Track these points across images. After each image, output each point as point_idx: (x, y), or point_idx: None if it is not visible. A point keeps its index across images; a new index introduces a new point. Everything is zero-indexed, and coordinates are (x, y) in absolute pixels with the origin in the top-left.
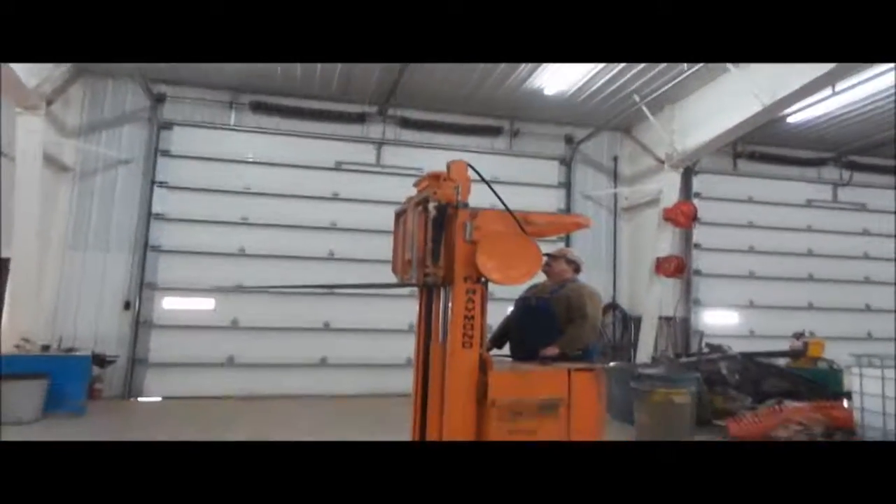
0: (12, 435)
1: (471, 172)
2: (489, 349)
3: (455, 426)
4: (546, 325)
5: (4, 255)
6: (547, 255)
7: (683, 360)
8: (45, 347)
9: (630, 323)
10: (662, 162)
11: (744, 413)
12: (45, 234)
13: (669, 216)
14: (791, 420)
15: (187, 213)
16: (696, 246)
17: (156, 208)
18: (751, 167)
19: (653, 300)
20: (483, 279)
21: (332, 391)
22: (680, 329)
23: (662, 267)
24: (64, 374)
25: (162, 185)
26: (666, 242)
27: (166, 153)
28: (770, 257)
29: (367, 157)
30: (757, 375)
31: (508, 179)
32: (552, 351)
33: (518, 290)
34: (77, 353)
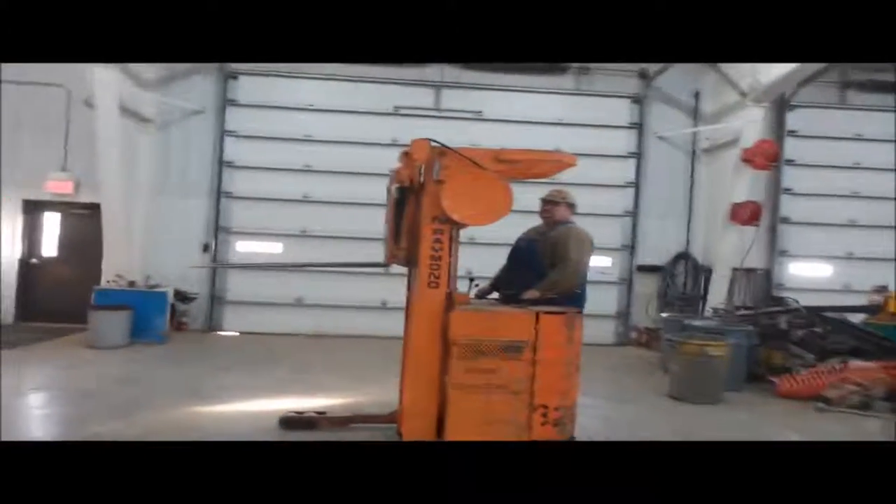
0: (107, 357)
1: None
2: (488, 292)
3: (419, 363)
4: (530, 268)
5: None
6: (545, 200)
7: (741, 312)
8: (132, 283)
9: (701, 273)
10: (745, 95)
11: (799, 370)
12: (131, 181)
13: (747, 157)
14: (849, 380)
15: (255, 161)
16: (787, 191)
17: (227, 156)
18: (863, 98)
19: (726, 250)
20: (450, 220)
21: (391, 332)
22: (761, 281)
23: (737, 214)
24: (147, 307)
25: (231, 133)
26: (742, 186)
27: (233, 102)
28: (877, 203)
29: (425, 101)
30: (823, 331)
31: (574, 121)
32: (532, 294)
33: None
34: (158, 289)
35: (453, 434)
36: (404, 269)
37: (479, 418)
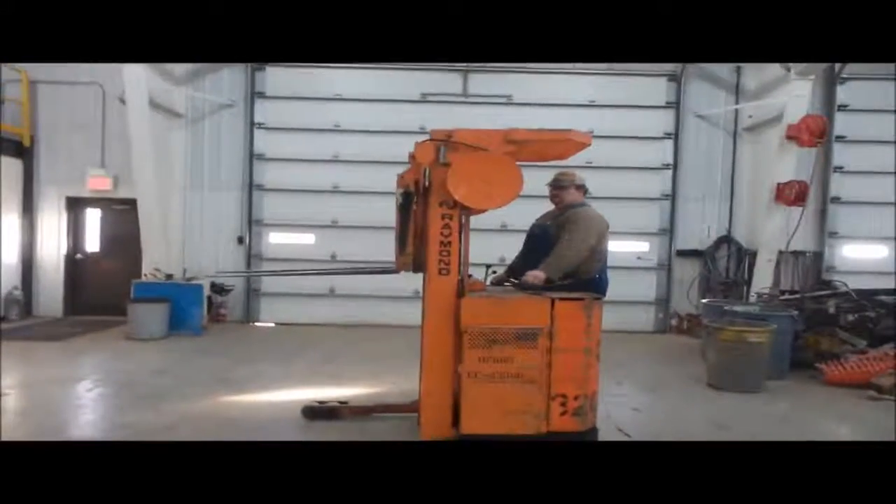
0: (146, 348)
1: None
2: (505, 279)
3: (433, 352)
4: (545, 253)
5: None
6: (552, 184)
7: (786, 297)
8: (169, 276)
9: (744, 258)
10: (790, 69)
11: (848, 357)
12: (165, 176)
13: (792, 134)
14: None
15: (284, 153)
16: (838, 169)
17: (256, 149)
18: None
19: (771, 232)
20: (459, 204)
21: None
22: (809, 265)
23: (783, 194)
24: (184, 299)
25: (260, 126)
26: (788, 165)
27: (261, 95)
28: None
29: (452, 87)
30: (876, 315)
31: (607, 102)
32: (534, 276)
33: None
34: (194, 282)
35: (468, 425)
36: None
37: (495, 408)
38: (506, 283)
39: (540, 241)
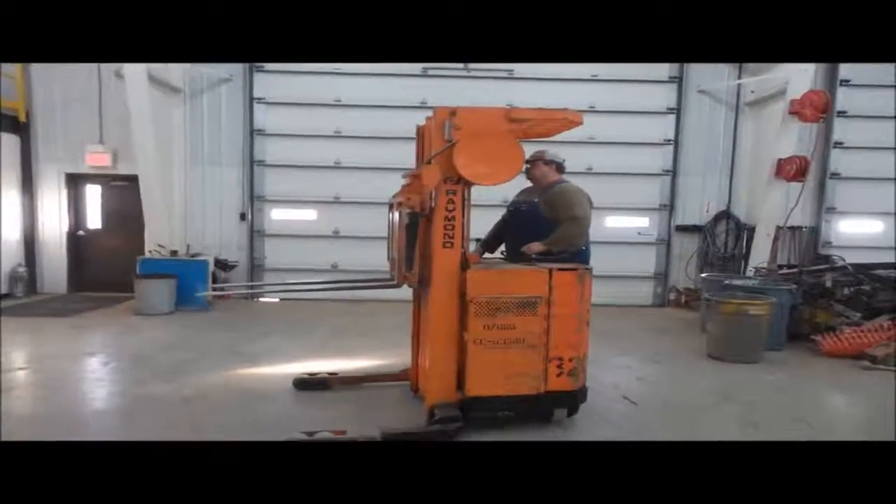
0: (155, 323)
1: None
2: (481, 254)
3: (437, 321)
4: (534, 229)
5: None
6: (525, 161)
7: (784, 271)
8: (174, 252)
9: (743, 232)
10: None
11: (843, 329)
12: (165, 152)
13: (795, 109)
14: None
15: (285, 128)
16: (838, 145)
17: (256, 124)
18: None
19: (770, 207)
20: (463, 180)
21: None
22: (807, 240)
23: (784, 169)
24: (190, 275)
25: (260, 101)
26: (790, 141)
27: (261, 69)
28: None
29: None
30: (871, 289)
31: (608, 77)
32: (537, 247)
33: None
34: (199, 258)
35: (473, 388)
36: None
37: (499, 372)
38: (500, 256)
39: (528, 218)
